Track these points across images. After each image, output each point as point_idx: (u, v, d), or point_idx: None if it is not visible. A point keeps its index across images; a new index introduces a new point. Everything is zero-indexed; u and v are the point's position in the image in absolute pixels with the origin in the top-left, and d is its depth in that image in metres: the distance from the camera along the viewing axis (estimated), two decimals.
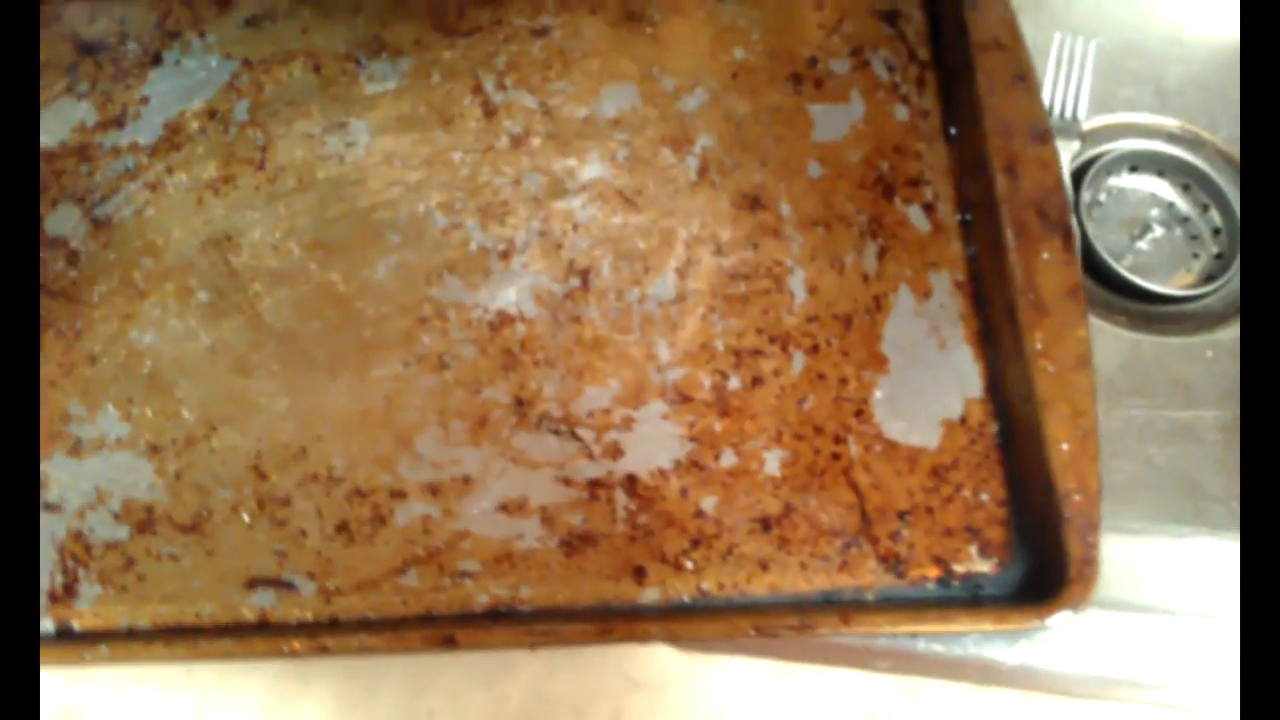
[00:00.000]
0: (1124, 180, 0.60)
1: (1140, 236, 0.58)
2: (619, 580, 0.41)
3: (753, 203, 0.48)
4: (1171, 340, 0.54)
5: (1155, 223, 0.59)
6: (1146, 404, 0.52)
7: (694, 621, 0.38)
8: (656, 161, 0.50)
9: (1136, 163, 0.59)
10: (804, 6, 0.53)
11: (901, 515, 0.40)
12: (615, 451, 0.43)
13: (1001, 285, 0.42)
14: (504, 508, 0.42)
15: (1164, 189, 0.59)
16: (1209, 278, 0.56)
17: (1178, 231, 0.58)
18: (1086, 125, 0.59)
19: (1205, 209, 0.58)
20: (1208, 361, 0.53)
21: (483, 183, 0.50)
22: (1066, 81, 0.59)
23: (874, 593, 0.39)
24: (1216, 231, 0.58)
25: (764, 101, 0.50)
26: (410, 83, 0.54)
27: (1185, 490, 0.50)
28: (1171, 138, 0.60)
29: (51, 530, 0.44)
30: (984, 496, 0.40)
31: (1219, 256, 0.57)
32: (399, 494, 0.43)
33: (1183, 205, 0.59)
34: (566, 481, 0.43)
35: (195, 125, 0.54)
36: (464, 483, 0.43)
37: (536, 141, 0.51)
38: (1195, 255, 0.57)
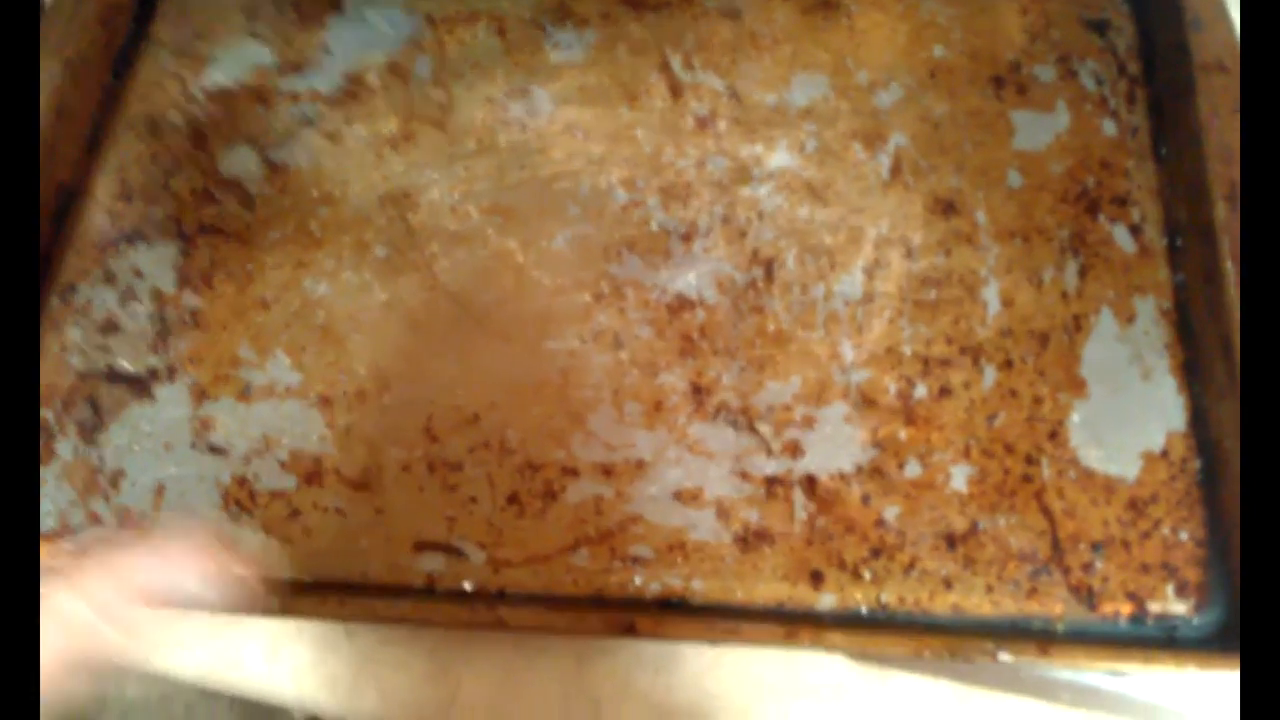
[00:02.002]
0: None
1: None
2: (795, 583, 0.40)
3: (947, 207, 0.46)
4: None
5: None
6: None
7: (880, 636, 0.37)
8: (847, 156, 0.48)
9: None
10: (1008, 8, 0.51)
11: (1095, 546, 0.39)
12: (795, 450, 0.42)
13: (1214, 318, 0.41)
14: (678, 496, 0.42)
15: None
16: None
17: None
18: None
19: None
20: None
21: (666, 162, 0.49)
22: None
23: (1063, 623, 0.38)
24: None
25: (963, 103, 0.49)
26: (596, 55, 0.53)
27: None
28: None
29: (216, 474, 0.45)
30: (1183, 535, 0.39)
31: None
32: (571, 471, 0.43)
33: None
34: (743, 475, 0.42)
35: (376, 79, 0.54)
36: (637, 466, 0.42)
37: (723, 125, 0.50)
38: None
